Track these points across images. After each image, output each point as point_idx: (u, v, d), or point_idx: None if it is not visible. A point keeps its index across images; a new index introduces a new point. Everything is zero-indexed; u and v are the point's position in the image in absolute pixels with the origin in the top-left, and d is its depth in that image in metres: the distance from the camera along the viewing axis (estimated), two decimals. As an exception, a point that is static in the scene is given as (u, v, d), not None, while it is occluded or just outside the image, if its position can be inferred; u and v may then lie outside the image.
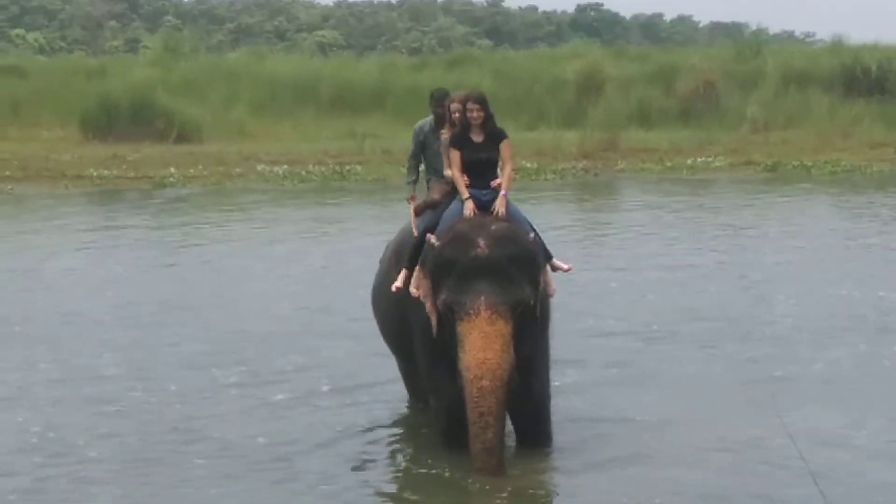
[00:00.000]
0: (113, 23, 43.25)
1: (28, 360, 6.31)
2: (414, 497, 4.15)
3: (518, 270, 4.40)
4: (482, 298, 4.30)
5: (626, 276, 8.96)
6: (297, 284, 8.57)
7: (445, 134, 4.84)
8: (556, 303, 4.95)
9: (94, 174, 15.00)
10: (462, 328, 4.29)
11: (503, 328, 4.30)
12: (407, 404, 5.39)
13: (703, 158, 16.76)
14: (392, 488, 4.31)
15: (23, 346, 6.69)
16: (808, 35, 35.84)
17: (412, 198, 5.05)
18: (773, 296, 7.96)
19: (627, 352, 6.39)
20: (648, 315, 7.38)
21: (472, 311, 4.30)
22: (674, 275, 8.96)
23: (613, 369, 5.98)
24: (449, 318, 4.38)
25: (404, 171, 5.49)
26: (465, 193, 4.54)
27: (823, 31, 44.15)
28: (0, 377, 5.80)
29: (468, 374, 4.23)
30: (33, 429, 4.87)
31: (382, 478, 4.39)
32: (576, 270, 5.50)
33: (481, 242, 4.38)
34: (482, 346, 4.27)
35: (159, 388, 5.60)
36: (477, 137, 4.63)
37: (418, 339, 4.73)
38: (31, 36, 39.27)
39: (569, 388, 5.48)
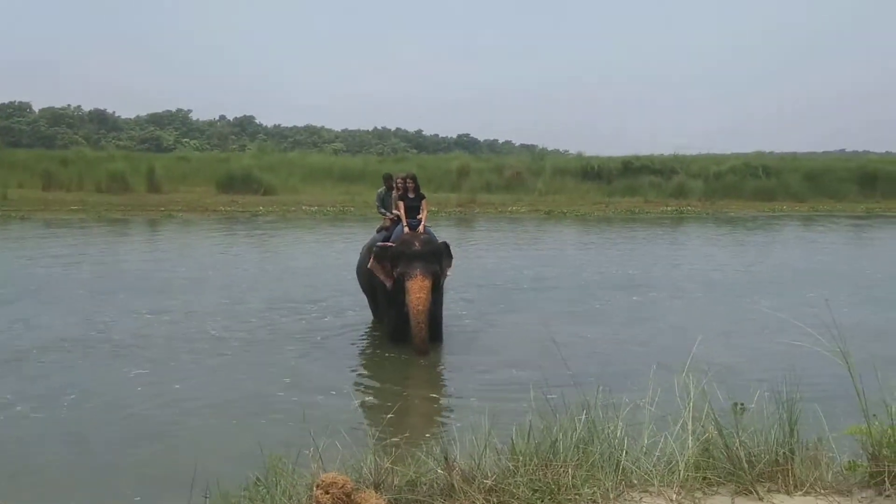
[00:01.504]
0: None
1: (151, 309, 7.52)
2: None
3: (433, 257, 6.30)
4: (418, 269, 5.98)
5: (484, 252, 12.50)
6: (326, 262, 11.02)
7: (395, 193, 6.73)
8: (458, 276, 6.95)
9: (222, 209, 21.71)
10: (409, 284, 6.02)
11: (427, 284, 5.96)
12: (372, 323, 7.14)
13: (516, 207, 23.91)
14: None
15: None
16: (567, 150, 43.23)
17: (385, 221, 6.95)
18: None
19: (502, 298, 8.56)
20: (507, 273, 10.26)
21: (413, 276, 5.97)
22: (510, 253, 12.61)
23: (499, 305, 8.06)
24: (401, 280, 6.14)
25: (376, 212, 7.35)
26: (405, 222, 6.38)
27: (574, 148, 57.22)
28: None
29: (412, 305, 5.89)
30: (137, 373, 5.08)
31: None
32: (465, 256, 8.18)
33: (416, 244, 6.10)
34: (418, 291, 5.92)
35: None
36: (411, 194, 6.48)
37: (380, 291, 6.56)
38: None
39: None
